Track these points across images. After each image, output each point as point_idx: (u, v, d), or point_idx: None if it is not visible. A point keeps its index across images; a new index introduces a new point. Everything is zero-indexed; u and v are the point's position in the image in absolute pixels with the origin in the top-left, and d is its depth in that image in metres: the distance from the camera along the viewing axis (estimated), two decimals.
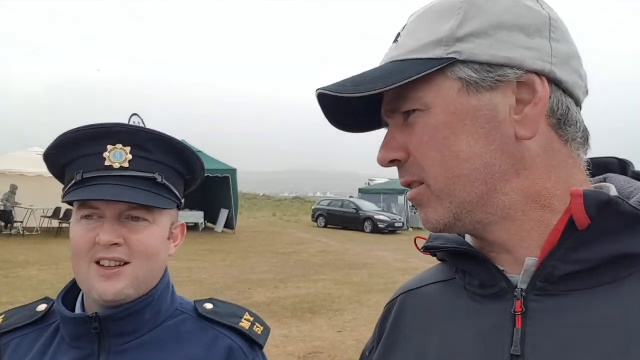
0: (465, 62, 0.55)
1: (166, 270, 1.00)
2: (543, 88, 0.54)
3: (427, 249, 0.69)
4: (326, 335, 6.13)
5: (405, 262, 12.23)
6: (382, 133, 0.67)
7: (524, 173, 0.56)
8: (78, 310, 0.93)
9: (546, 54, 0.55)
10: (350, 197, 28.96)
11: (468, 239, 0.66)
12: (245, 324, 1.00)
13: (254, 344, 0.99)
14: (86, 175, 0.87)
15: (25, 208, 15.39)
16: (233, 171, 18.16)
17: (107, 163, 0.87)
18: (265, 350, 1.05)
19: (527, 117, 0.55)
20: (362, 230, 21.70)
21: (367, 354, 0.76)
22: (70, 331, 0.89)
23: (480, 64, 0.54)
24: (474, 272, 0.62)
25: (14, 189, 15.04)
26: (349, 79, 0.58)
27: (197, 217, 18.62)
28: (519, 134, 0.55)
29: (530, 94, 0.55)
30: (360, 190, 30.72)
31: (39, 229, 15.85)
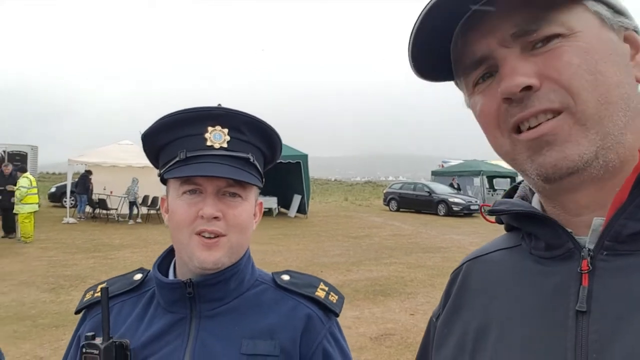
0: (598, 0, 0.56)
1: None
2: None
3: (492, 212, 0.69)
4: (398, 317, 6.16)
5: (481, 246, 11.84)
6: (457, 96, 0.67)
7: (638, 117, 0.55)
8: (171, 277, 1.02)
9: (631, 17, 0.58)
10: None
11: (534, 203, 0.66)
12: (320, 293, 1.05)
13: (330, 311, 1.04)
14: (189, 154, 0.93)
15: (118, 196, 16.81)
16: (304, 157, 18.47)
17: (208, 143, 0.94)
18: None
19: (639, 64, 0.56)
20: (436, 214, 21.29)
21: (434, 319, 0.77)
22: (166, 296, 0.98)
23: (608, 6, 0.56)
24: (540, 234, 0.61)
25: (136, 181, 16.25)
26: None
27: (271, 202, 19.18)
28: (638, 77, 0.56)
29: (632, 47, 0.57)
30: (433, 173, 29.99)
31: (129, 217, 17.25)
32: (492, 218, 0.73)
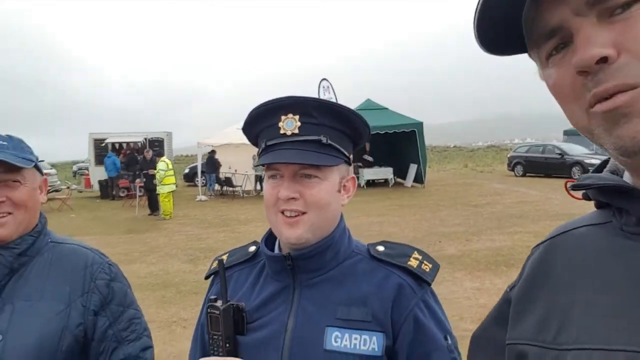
0: None
1: (342, 217, 1.15)
2: None
3: (576, 187, 0.65)
4: None
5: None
6: None
7: None
8: (276, 251, 1.13)
9: None
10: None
11: (626, 177, 0.62)
12: (413, 262, 1.09)
13: (422, 281, 1.07)
14: (268, 143, 1.05)
15: (242, 174, 18.07)
16: (419, 125, 18.00)
17: (282, 131, 1.04)
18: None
19: None
20: (569, 177, 19.29)
21: (509, 290, 0.75)
22: (272, 267, 1.11)
23: None
24: (631, 208, 0.57)
25: (255, 157, 17.56)
26: None
27: (387, 173, 19.13)
28: None
29: None
30: (566, 132, 27.13)
31: (254, 191, 18.49)
32: (579, 194, 0.68)
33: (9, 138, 1.33)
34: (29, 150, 1.37)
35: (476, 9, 0.57)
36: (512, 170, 23.00)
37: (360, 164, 19.20)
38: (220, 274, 1.06)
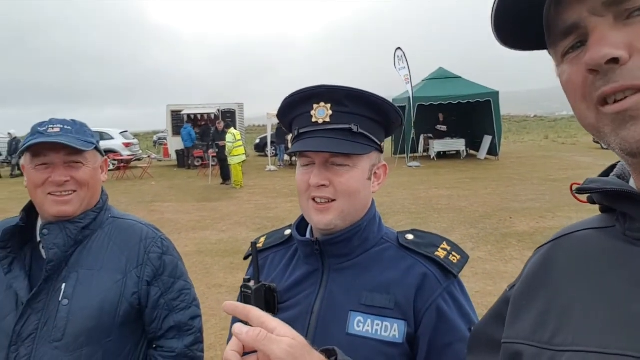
0: None
1: (373, 204, 1.15)
2: None
3: (581, 191, 0.65)
4: None
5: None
6: None
7: None
8: (308, 235, 1.17)
9: None
10: None
11: (632, 183, 0.61)
12: (441, 253, 1.08)
13: (448, 272, 1.06)
14: (301, 131, 1.08)
15: None
16: (494, 94, 17.08)
17: (313, 119, 1.06)
18: None
19: None
20: None
21: (509, 289, 0.74)
22: (303, 251, 1.15)
23: None
24: (636, 214, 0.57)
25: None
26: None
27: (458, 144, 18.47)
28: None
29: None
30: None
31: None
32: (584, 197, 0.68)
33: (73, 122, 1.44)
34: (91, 134, 1.48)
35: (493, 5, 0.59)
36: (599, 142, 21.28)
37: (430, 135, 18.68)
38: (253, 256, 1.10)
